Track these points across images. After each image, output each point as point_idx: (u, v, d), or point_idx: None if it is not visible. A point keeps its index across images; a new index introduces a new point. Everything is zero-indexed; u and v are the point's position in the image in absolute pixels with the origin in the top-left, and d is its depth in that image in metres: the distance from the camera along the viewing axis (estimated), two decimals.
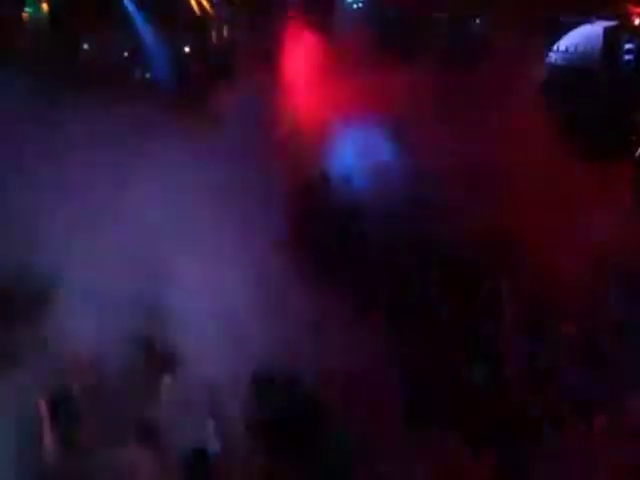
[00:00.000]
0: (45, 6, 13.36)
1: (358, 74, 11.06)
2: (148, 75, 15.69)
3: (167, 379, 5.20)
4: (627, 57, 13.73)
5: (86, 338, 4.98)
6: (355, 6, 14.54)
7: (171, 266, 5.13)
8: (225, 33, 16.46)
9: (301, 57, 11.14)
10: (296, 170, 10.32)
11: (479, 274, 7.15)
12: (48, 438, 4.33)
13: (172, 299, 5.08)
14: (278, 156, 7.93)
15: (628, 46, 13.68)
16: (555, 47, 13.99)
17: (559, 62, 14.12)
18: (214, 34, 16.53)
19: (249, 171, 5.72)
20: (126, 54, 15.55)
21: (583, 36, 14.37)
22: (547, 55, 13.89)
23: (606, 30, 13.88)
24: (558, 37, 14.11)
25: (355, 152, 10.87)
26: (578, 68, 13.93)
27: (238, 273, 5.06)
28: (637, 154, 11.79)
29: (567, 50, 14.34)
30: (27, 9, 13.17)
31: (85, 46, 12.52)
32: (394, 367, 5.21)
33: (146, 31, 14.92)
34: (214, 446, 4.32)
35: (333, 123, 11.09)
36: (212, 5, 16.24)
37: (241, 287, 5.04)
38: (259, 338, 4.97)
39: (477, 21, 14.75)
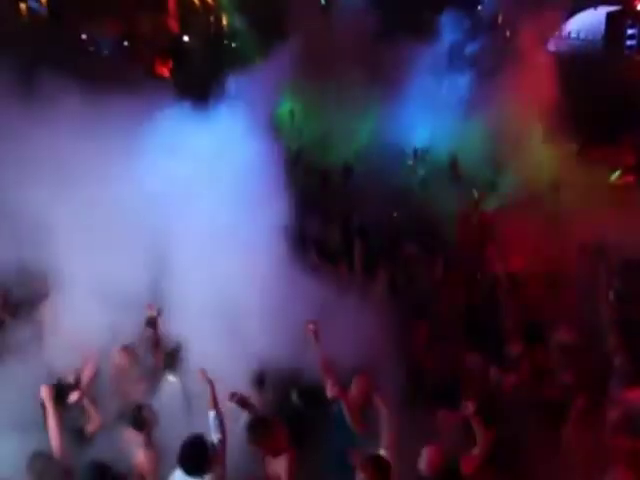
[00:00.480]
0: None
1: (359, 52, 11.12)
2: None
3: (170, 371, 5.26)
4: (630, 42, 13.65)
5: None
6: None
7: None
8: (224, 21, 16.35)
9: (301, 43, 11.05)
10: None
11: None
12: (52, 425, 4.39)
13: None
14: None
15: (631, 31, 13.59)
16: (557, 33, 13.89)
17: (562, 48, 14.01)
18: (213, 23, 16.43)
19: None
20: (126, 43, 15.49)
21: (586, 22, 14.27)
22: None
23: (609, 15, 13.79)
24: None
25: None
26: (581, 54, 13.84)
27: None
28: None
29: (569, 36, 14.25)
30: None
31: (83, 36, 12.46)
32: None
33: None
34: (214, 437, 4.35)
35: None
36: None
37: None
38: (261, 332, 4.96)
39: None
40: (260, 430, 4.42)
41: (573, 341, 5.42)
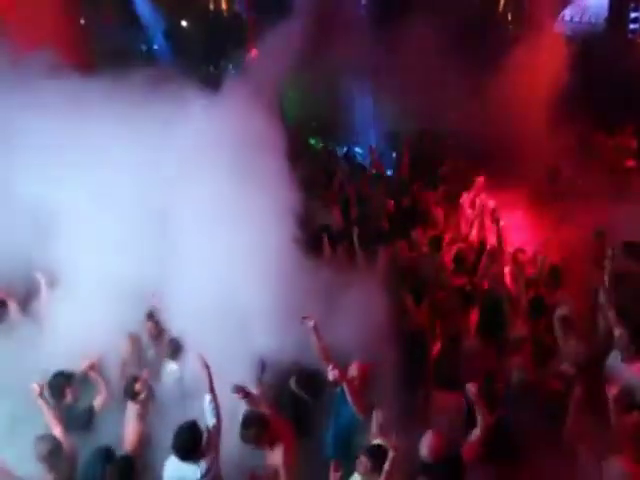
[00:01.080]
0: None
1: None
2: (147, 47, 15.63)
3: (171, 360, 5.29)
4: (633, 26, 13.54)
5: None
6: None
7: None
8: (224, 6, 16.22)
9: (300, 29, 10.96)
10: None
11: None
12: (49, 418, 4.46)
13: None
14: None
15: (634, 15, 13.47)
16: (560, 17, 13.77)
17: (564, 31, 13.88)
18: (212, 7, 16.29)
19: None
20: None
21: (588, 5, 14.16)
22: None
23: None
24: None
25: None
26: (583, 37, 13.72)
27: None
28: None
29: (572, 19, 14.15)
30: None
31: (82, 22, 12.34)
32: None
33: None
34: (209, 422, 4.37)
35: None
36: None
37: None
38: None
39: None
40: (254, 428, 4.38)
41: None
